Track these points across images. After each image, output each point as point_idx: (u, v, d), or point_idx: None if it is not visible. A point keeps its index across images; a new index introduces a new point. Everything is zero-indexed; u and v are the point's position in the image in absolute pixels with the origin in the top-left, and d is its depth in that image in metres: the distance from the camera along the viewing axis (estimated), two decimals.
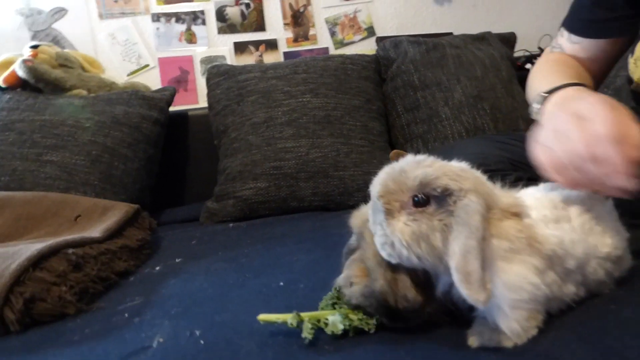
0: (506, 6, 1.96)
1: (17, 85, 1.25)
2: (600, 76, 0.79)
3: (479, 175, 0.49)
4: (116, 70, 1.75)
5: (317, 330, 0.50)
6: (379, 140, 1.34)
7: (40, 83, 1.23)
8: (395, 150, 1.36)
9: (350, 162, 1.25)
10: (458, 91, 1.36)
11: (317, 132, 1.28)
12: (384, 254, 0.45)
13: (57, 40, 1.68)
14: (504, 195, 0.49)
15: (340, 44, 1.87)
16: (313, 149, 1.25)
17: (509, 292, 0.42)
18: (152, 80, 1.77)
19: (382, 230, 0.45)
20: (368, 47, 1.84)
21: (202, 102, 1.76)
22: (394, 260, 0.45)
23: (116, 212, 0.93)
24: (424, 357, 0.45)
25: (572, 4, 0.76)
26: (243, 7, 1.84)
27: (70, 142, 1.14)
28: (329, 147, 1.26)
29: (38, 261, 0.67)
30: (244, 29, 1.84)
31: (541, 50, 1.80)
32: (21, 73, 1.21)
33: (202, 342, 0.54)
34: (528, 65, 1.81)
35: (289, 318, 0.50)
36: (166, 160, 1.43)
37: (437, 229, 0.43)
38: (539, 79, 0.71)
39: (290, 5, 1.84)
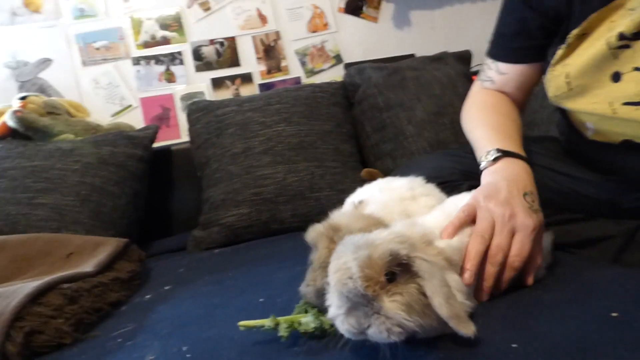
0: (462, 26, 2.11)
1: (7, 134, 1.33)
2: (526, 101, 0.90)
3: (405, 225, 0.55)
4: (100, 113, 1.84)
5: (293, 337, 0.56)
6: (350, 161, 1.43)
7: (29, 131, 1.31)
8: (366, 169, 1.46)
9: (325, 184, 1.34)
10: (419, 109, 1.47)
11: (292, 157, 1.37)
12: (394, 338, 0.46)
13: (43, 88, 1.77)
14: (414, 228, 0.55)
15: (310, 72, 1.99)
16: (289, 173, 1.34)
17: None
18: (136, 119, 1.86)
19: (382, 318, 0.46)
20: (337, 74, 1.96)
21: (185, 137, 1.85)
22: (404, 337, 0.47)
23: (107, 247, 0.99)
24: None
25: (493, 34, 0.86)
26: (217, 46, 1.95)
27: (60, 184, 1.21)
28: (304, 171, 1.35)
29: (36, 297, 0.74)
30: (220, 65, 1.95)
31: None
32: (11, 123, 1.29)
33: (188, 355, 0.61)
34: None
35: (266, 322, 0.57)
36: (152, 194, 1.50)
37: (415, 293, 0.47)
38: (480, 128, 0.81)
39: (262, 41, 1.97)
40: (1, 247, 0.93)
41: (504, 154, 0.71)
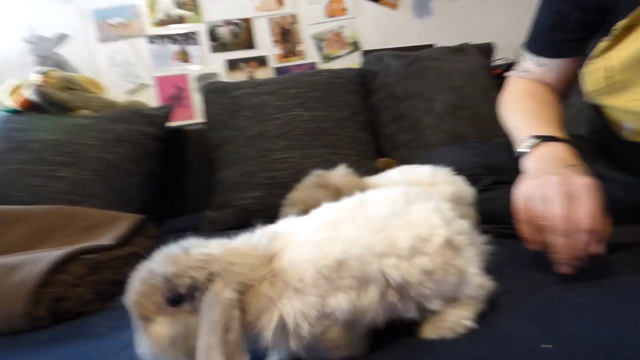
0: (484, 17, 2.07)
1: (29, 108, 1.33)
2: (567, 92, 0.88)
3: (235, 246, 0.46)
4: (116, 90, 1.84)
5: None
6: (366, 150, 1.43)
7: (49, 105, 1.31)
8: (381, 159, 1.46)
9: None
10: (439, 101, 1.46)
11: (309, 143, 1.37)
12: None
13: (59, 63, 1.77)
14: (256, 248, 0.46)
15: (327, 58, 1.97)
16: (305, 159, 1.34)
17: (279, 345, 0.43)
18: (150, 98, 1.86)
19: (144, 339, 0.43)
20: (354, 61, 1.95)
21: (199, 118, 1.85)
22: None
23: (124, 222, 1.01)
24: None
25: (531, 28, 0.84)
26: (233, 27, 1.94)
27: (79, 158, 1.22)
28: (320, 157, 1.35)
29: (59, 266, 0.75)
30: (235, 47, 1.94)
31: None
32: (32, 96, 1.29)
33: None
34: (508, 73, 1.92)
35: None
36: (166, 174, 1.51)
37: (193, 327, 0.41)
38: (516, 117, 0.79)
39: (278, 24, 1.95)
40: (24, 217, 0.95)
41: (542, 139, 0.68)
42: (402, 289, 0.46)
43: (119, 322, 0.70)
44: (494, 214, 0.79)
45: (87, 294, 0.74)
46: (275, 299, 0.43)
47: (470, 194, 0.79)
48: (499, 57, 1.85)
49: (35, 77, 1.37)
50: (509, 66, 1.95)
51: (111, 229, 0.99)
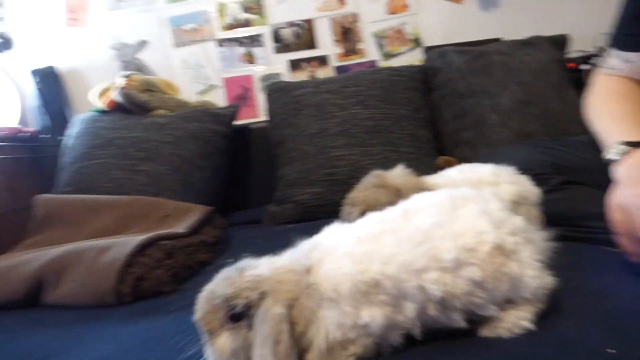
0: (557, 7, 1.93)
1: (114, 108, 1.49)
2: None
3: (281, 265, 0.49)
4: (188, 91, 1.98)
5: None
6: (426, 147, 1.41)
7: (131, 106, 1.46)
8: (441, 157, 1.43)
9: None
10: (505, 97, 1.39)
11: (367, 141, 1.37)
12: None
13: (140, 68, 1.95)
14: (297, 262, 0.49)
15: (387, 55, 1.96)
16: (364, 156, 1.35)
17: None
18: (219, 98, 1.98)
19: (209, 350, 0.48)
20: (415, 57, 1.91)
21: (262, 116, 1.93)
22: None
23: (196, 213, 1.09)
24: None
25: (615, 22, 0.79)
26: (296, 28, 2.00)
27: (157, 154, 1.35)
28: (379, 155, 1.35)
29: (141, 250, 0.84)
30: (297, 47, 1.99)
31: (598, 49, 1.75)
32: (117, 98, 1.45)
33: None
34: (584, 66, 1.77)
35: None
36: (232, 169, 1.60)
37: (250, 340, 0.46)
38: (605, 119, 0.75)
39: (339, 23, 1.97)
40: (111, 206, 1.07)
41: (634, 145, 0.64)
42: (445, 302, 0.46)
43: (191, 301, 0.77)
44: (563, 215, 0.75)
45: (164, 276, 0.82)
46: (315, 310, 0.46)
47: (535, 194, 0.76)
48: (575, 49, 1.71)
49: (119, 81, 1.53)
50: (585, 59, 1.80)
51: (184, 219, 1.08)
